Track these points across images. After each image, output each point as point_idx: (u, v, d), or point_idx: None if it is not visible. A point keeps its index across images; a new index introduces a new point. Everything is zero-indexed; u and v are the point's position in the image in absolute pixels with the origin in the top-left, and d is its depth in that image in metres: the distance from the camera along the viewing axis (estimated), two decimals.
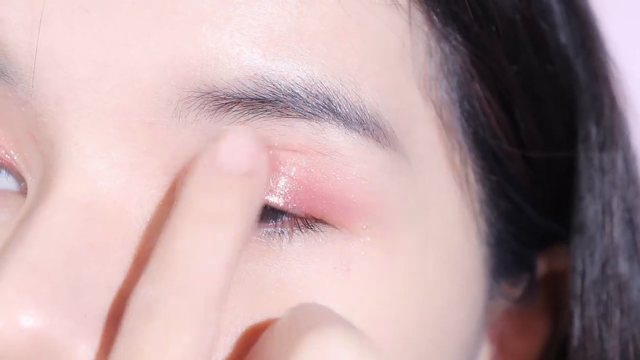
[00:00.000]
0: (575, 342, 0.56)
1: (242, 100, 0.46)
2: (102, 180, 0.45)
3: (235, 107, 0.46)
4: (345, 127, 0.47)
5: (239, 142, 0.42)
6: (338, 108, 0.47)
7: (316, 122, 0.46)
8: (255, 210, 0.43)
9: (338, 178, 0.47)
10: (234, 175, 0.42)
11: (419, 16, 0.50)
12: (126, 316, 0.41)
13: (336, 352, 0.40)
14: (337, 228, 0.48)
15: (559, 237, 0.59)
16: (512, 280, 0.59)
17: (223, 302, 0.41)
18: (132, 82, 0.45)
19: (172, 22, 0.45)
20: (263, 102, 0.46)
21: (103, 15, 0.45)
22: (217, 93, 0.45)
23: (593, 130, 0.57)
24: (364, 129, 0.47)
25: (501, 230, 0.56)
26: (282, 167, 0.47)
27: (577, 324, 0.56)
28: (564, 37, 0.57)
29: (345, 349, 0.41)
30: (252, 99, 0.46)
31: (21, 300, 0.42)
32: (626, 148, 0.59)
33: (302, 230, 0.48)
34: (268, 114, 0.46)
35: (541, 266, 0.60)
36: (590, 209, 0.57)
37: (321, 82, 0.47)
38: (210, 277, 0.41)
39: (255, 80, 0.46)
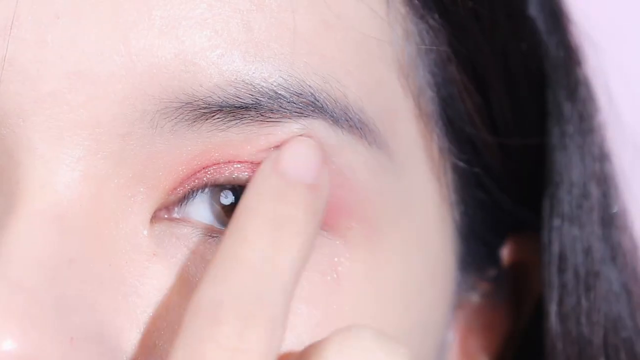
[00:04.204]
0: (552, 332, 0.57)
1: (224, 108, 0.45)
2: (72, 192, 0.45)
3: (217, 115, 0.45)
4: (332, 124, 0.47)
5: (303, 152, 0.44)
6: (324, 105, 0.47)
7: (302, 119, 0.46)
8: (319, 223, 0.44)
9: None
10: (300, 184, 0.43)
11: None
12: (189, 318, 0.41)
13: (364, 346, 0.41)
14: (324, 229, 0.48)
15: (526, 225, 0.60)
16: (481, 273, 0.59)
17: (288, 312, 0.42)
18: (107, 93, 0.44)
19: (147, 27, 0.45)
20: (245, 109, 0.45)
21: (74, 22, 0.44)
22: (197, 102, 0.45)
23: (567, 108, 0.58)
24: (350, 126, 0.47)
25: (475, 220, 0.57)
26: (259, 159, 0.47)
27: (553, 315, 0.57)
28: (535, 12, 0.57)
29: (373, 344, 0.41)
30: (234, 106, 0.45)
31: (8, 325, 0.41)
32: (601, 130, 0.60)
33: None
34: (251, 119, 0.46)
35: (506, 256, 0.60)
36: (565, 193, 0.58)
37: (304, 81, 0.46)
38: (280, 284, 0.42)
39: (236, 85, 0.45)
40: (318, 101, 0.47)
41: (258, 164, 0.46)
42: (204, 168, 0.46)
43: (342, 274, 0.48)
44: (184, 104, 0.45)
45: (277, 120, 0.46)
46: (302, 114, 0.46)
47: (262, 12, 0.46)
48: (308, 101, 0.46)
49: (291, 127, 0.46)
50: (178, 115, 0.45)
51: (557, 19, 0.59)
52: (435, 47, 0.52)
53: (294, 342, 0.46)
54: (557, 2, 0.60)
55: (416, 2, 0.51)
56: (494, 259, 0.59)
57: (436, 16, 0.51)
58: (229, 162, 0.46)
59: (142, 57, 0.45)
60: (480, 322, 0.60)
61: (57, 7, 0.45)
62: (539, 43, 0.57)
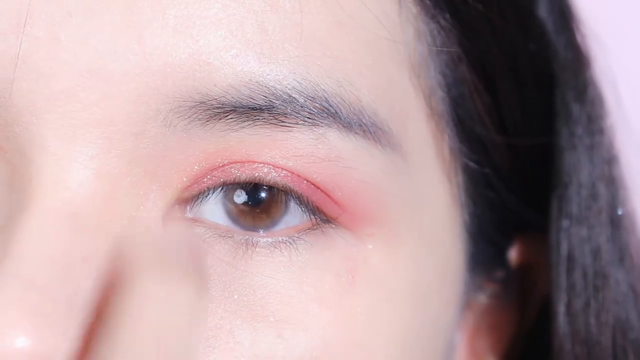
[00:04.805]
0: (560, 333, 0.57)
1: (237, 108, 0.45)
2: (85, 190, 0.45)
3: (230, 115, 0.45)
4: (346, 131, 0.47)
5: None
6: (337, 111, 0.47)
7: (315, 128, 0.46)
8: None
9: (342, 183, 0.47)
10: None
11: None
12: None
13: None
14: (342, 230, 0.48)
15: (533, 226, 0.60)
16: (489, 274, 0.59)
17: None
18: (120, 91, 0.44)
19: (161, 25, 0.45)
20: (259, 110, 0.45)
21: (87, 20, 0.44)
22: (211, 102, 0.45)
23: (576, 109, 0.58)
24: (363, 131, 0.47)
25: (484, 221, 0.57)
26: (282, 165, 0.47)
27: (561, 316, 0.57)
28: (544, 13, 0.57)
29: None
30: (248, 107, 0.45)
31: (22, 322, 0.41)
32: (609, 131, 0.60)
33: (309, 232, 0.48)
34: (264, 121, 0.46)
35: (514, 257, 0.61)
36: (574, 194, 0.58)
37: (318, 84, 0.46)
38: None
39: (250, 87, 0.45)
40: (331, 107, 0.47)
41: (280, 167, 0.46)
42: (221, 167, 0.47)
43: (358, 276, 0.48)
44: (197, 103, 0.45)
45: (291, 125, 0.46)
46: (315, 120, 0.46)
47: (277, 12, 0.46)
48: (321, 106, 0.46)
49: (306, 137, 0.46)
50: (191, 115, 0.45)
51: (566, 20, 0.59)
52: (446, 48, 0.52)
53: (304, 343, 0.47)
54: (566, 3, 0.60)
55: (427, 1, 0.51)
56: (501, 259, 0.60)
57: (447, 16, 0.51)
58: (249, 161, 0.46)
59: (157, 56, 0.44)
60: (488, 322, 0.61)
61: (71, 5, 0.45)
62: (547, 44, 0.57)
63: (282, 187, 0.47)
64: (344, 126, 0.47)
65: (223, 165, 0.47)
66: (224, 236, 0.47)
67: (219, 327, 0.46)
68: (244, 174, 0.47)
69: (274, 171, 0.47)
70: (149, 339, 0.43)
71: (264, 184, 0.47)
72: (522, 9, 0.56)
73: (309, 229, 0.48)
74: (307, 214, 0.48)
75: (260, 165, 0.46)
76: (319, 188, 0.47)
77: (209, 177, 0.47)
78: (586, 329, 0.57)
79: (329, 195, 0.47)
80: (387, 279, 0.49)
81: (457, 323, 0.56)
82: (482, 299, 0.60)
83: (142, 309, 0.44)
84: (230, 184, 0.47)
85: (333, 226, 0.48)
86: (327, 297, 0.47)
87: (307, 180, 0.47)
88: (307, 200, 0.48)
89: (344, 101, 0.47)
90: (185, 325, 0.44)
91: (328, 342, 0.47)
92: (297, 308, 0.47)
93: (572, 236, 0.57)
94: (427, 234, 0.52)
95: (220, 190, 0.47)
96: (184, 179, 0.47)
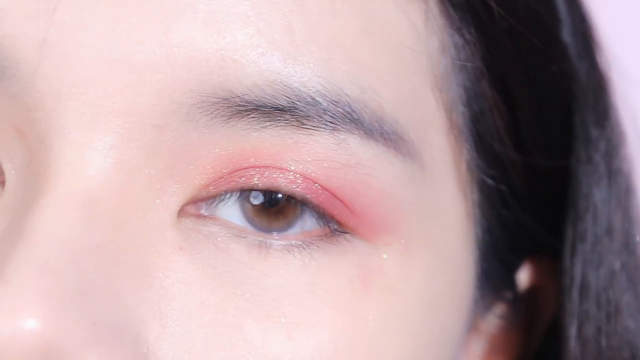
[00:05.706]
0: (572, 357, 0.56)
1: (260, 107, 0.45)
2: (103, 178, 0.45)
3: (253, 114, 0.45)
4: (367, 137, 0.47)
5: None
6: (360, 117, 0.47)
7: (337, 133, 0.46)
8: None
9: (362, 190, 0.47)
10: None
11: (435, 8, 0.50)
12: None
13: None
14: (358, 238, 0.48)
15: (543, 248, 0.59)
16: (497, 294, 0.59)
17: None
18: (145, 82, 0.44)
19: (190, 19, 0.45)
20: (281, 111, 0.45)
21: (116, 9, 0.44)
22: (235, 99, 0.45)
23: (594, 134, 0.58)
24: (384, 139, 0.47)
25: (496, 239, 0.56)
26: (301, 170, 0.46)
27: (572, 340, 0.56)
28: (567, 36, 0.57)
29: None
30: (271, 107, 0.45)
31: (32, 305, 0.41)
32: (627, 158, 0.60)
33: (324, 237, 0.48)
34: (286, 122, 0.46)
35: (525, 279, 0.60)
36: (589, 218, 0.57)
37: (342, 89, 0.46)
38: None
39: (274, 87, 0.45)
40: (354, 112, 0.46)
41: (299, 173, 0.46)
42: (239, 170, 0.46)
43: (372, 285, 0.48)
44: (221, 99, 0.45)
45: (312, 128, 0.46)
46: (337, 125, 0.46)
47: (304, 14, 0.46)
48: (344, 111, 0.46)
49: (327, 141, 0.46)
50: (214, 111, 0.45)
51: (589, 45, 0.59)
52: (470, 62, 0.52)
53: (314, 345, 0.46)
54: (589, 28, 0.60)
55: (453, 14, 0.51)
56: (510, 280, 0.59)
57: (472, 30, 0.51)
58: (268, 166, 0.46)
59: (183, 49, 0.44)
60: (495, 345, 0.60)
61: None
62: (569, 66, 0.57)
63: (300, 197, 0.47)
64: (365, 133, 0.47)
65: (242, 169, 0.46)
66: (239, 236, 0.47)
67: (230, 324, 0.46)
68: (262, 182, 0.47)
69: (292, 180, 0.46)
70: None
71: (281, 193, 0.47)
72: (546, 30, 0.56)
73: (324, 235, 0.48)
74: (323, 221, 0.48)
75: (278, 175, 0.46)
76: (337, 198, 0.47)
77: (227, 180, 0.47)
78: (597, 355, 0.56)
79: (347, 206, 0.47)
80: (401, 289, 0.49)
81: (463, 342, 0.56)
82: (490, 319, 0.60)
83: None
84: (248, 190, 0.47)
85: (349, 234, 0.48)
86: (339, 302, 0.47)
87: (326, 190, 0.47)
88: (324, 211, 0.48)
89: (367, 107, 0.47)
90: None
91: (338, 347, 0.47)
92: (308, 311, 0.47)
93: (586, 262, 0.57)
94: (441, 246, 0.51)
95: (237, 194, 0.47)
96: (203, 176, 0.46)
